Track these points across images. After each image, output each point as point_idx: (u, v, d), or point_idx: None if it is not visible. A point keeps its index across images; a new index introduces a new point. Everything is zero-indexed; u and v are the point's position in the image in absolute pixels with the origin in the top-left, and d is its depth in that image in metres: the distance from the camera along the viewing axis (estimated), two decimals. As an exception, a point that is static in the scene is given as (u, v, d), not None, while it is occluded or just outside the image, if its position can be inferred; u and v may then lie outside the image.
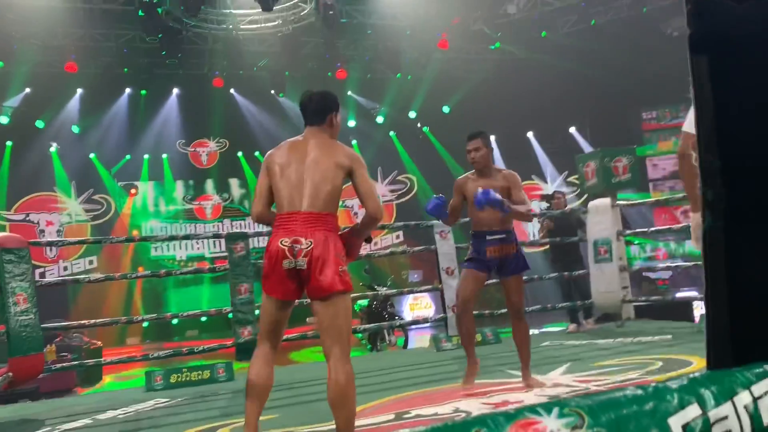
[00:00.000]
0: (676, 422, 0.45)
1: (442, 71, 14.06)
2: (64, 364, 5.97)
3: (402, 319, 8.96)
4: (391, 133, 15.56)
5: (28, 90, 12.44)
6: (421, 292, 9.95)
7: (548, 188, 14.35)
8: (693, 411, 0.47)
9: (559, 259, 7.13)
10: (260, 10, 9.75)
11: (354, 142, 15.21)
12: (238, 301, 5.50)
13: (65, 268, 13.22)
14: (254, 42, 12.37)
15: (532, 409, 0.49)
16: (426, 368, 5.37)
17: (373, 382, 4.82)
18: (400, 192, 15.91)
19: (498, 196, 3.77)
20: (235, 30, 11.44)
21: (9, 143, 12.83)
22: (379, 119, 15.27)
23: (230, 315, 5.67)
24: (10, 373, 4.52)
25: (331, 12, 9.89)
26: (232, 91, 14.13)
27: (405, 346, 8.42)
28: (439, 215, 4.12)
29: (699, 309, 8.62)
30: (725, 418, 0.57)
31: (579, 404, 0.48)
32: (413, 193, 15.85)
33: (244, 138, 14.55)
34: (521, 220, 4.07)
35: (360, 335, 8.57)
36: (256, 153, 14.80)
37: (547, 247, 8.46)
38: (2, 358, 6.32)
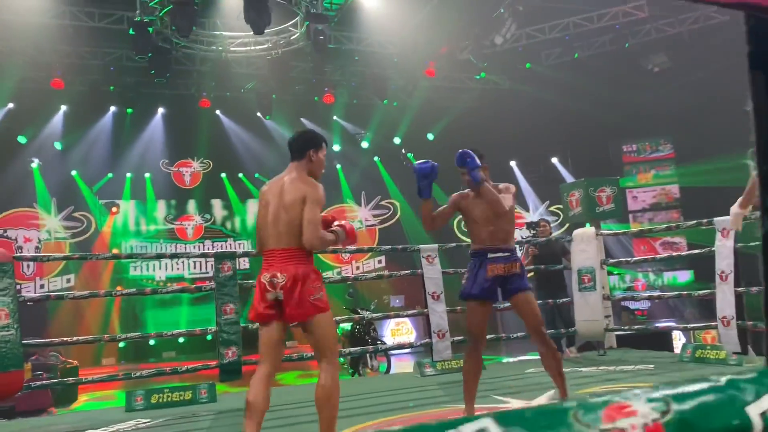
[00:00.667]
0: (753, 410, 0.48)
1: (428, 99, 14.25)
2: (43, 382, 5.86)
3: (384, 344, 8.92)
4: (376, 158, 15.67)
5: (11, 105, 12.35)
6: (407, 316, 9.93)
7: (530, 217, 14.50)
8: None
9: (544, 287, 7.18)
10: (251, 32, 9.82)
11: (338, 166, 15.29)
12: (224, 321, 5.45)
13: (42, 286, 13.00)
14: (243, 64, 12.44)
15: (622, 395, 0.52)
16: (410, 393, 5.35)
17: (358, 406, 4.80)
18: (383, 217, 15.97)
19: (476, 161, 3.62)
20: (224, 52, 11.50)
21: (-10, 158, 12.68)
22: (364, 144, 15.37)
23: (208, 336, 5.61)
24: (-11, 390, 4.42)
25: (321, 37, 10.00)
26: (218, 112, 14.15)
27: (387, 371, 8.38)
28: (427, 176, 3.60)
29: (678, 339, 8.73)
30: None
31: (664, 391, 0.50)
32: (396, 218, 15.91)
33: (228, 159, 14.56)
34: (490, 201, 3.66)
35: (342, 359, 8.50)
36: (240, 174, 14.80)
37: (531, 274, 8.52)
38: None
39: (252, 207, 15.17)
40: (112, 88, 12.55)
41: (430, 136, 15.35)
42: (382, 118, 14.80)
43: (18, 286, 12.14)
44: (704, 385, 0.49)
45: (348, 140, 15.29)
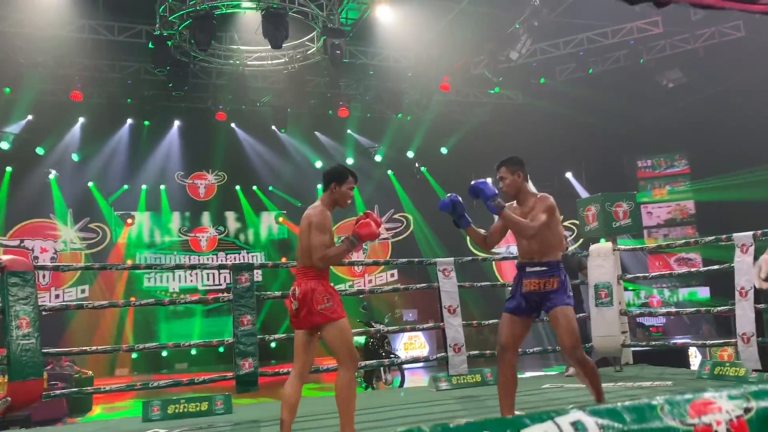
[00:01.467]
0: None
1: (442, 113, 14.30)
2: (62, 391, 5.88)
3: (398, 357, 8.89)
4: (389, 171, 15.71)
5: (30, 117, 12.52)
6: (422, 330, 9.90)
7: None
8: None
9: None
10: (268, 47, 9.92)
11: (352, 179, 15.34)
12: (240, 333, 5.46)
13: (57, 296, 13.10)
14: (259, 78, 12.55)
15: (706, 392, 0.53)
16: (425, 407, 5.32)
17: (373, 419, 4.78)
18: (396, 230, 15.98)
19: (491, 188, 3.53)
20: (241, 66, 11.61)
21: (9, 169, 12.85)
22: (378, 158, 15.42)
23: (220, 349, 5.61)
24: (9, 398, 4.45)
25: (337, 51, 10.08)
26: (233, 125, 14.26)
27: (401, 385, 8.35)
28: (452, 212, 3.66)
29: (694, 356, 8.64)
30: None
31: (745, 389, 0.52)
32: (409, 231, 15.93)
33: (243, 172, 14.65)
34: (514, 229, 3.60)
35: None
36: (254, 187, 14.88)
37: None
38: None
39: (265, 219, 15.25)
40: (129, 100, 12.70)
41: (444, 150, 15.39)
42: (395, 131, 14.86)
43: (34, 296, 12.31)
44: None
45: (362, 154, 15.35)
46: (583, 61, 13.05)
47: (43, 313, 5.26)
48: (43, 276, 12.82)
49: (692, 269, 11.42)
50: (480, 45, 12.02)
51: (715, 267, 6.45)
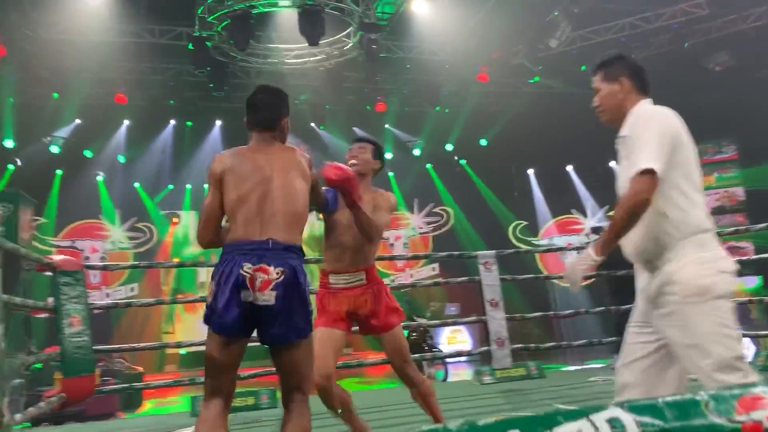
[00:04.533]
0: None
1: (480, 104, 14.16)
2: (114, 387, 6.06)
3: (440, 351, 8.88)
4: (428, 165, 15.66)
5: (78, 121, 12.88)
6: (464, 324, 9.86)
7: (589, 223, 14.22)
8: None
9: (619, 291, 6.98)
10: (306, 44, 9.98)
11: (390, 174, 15.37)
12: (284, 329, 5.53)
13: (107, 295, 13.47)
14: (297, 76, 12.65)
15: (756, 388, 0.51)
16: (470, 401, 5.31)
17: (416, 413, 4.78)
18: (436, 224, 15.93)
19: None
20: (280, 64, 11.72)
21: (59, 172, 13.25)
22: (416, 152, 15.39)
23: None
24: (63, 394, 4.60)
25: (374, 46, 10.08)
26: (272, 123, 14.38)
27: (444, 380, 8.34)
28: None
29: (746, 348, 8.39)
30: None
31: None
32: (450, 225, 15.86)
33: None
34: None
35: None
36: (295, 184, 15.01)
37: (593, 281, 8.34)
38: (48, 381, 6.46)
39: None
40: (172, 102, 12.94)
41: (483, 142, 15.25)
42: (434, 125, 14.79)
43: (86, 295, 12.71)
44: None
45: (400, 148, 15.34)
46: (626, 48, 12.71)
47: (94, 311, 5.42)
48: (94, 275, 13.18)
49: (744, 258, 11.06)
50: (518, 34, 11.85)
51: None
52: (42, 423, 6.04)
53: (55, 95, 11.84)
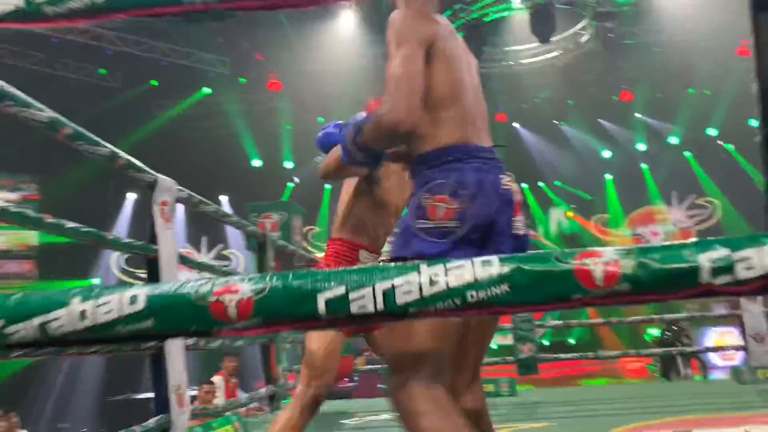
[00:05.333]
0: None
1: (745, 81, 12.68)
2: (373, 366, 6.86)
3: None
4: (686, 153, 14.46)
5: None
6: (717, 318, 9.04)
7: None
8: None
9: None
10: (537, 42, 10.07)
11: (644, 166, 14.56)
12: (519, 319, 5.75)
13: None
14: (534, 74, 12.71)
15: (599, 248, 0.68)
16: (720, 397, 4.97)
17: (660, 404, 4.66)
18: (699, 218, 14.63)
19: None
20: (515, 65, 11.93)
21: (328, 187, 15.00)
22: (673, 140, 14.33)
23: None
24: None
25: (611, 35, 9.78)
26: (514, 124, 14.58)
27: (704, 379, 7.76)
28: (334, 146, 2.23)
29: None
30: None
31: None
32: (716, 218, 14.44)
33: (528, 169, 14.83)
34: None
35: (653, 367, 8.15)
36: (540, 183, 14.99)
37: None
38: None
39: (554, 215, 15.26)
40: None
41: (754, 123, 13.63)
42: (691, 109, 13.63)
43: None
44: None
45: (654, 137, 14.43)
46: None
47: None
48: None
49: None
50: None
51: None
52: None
53: (320, 119, 13.51)
